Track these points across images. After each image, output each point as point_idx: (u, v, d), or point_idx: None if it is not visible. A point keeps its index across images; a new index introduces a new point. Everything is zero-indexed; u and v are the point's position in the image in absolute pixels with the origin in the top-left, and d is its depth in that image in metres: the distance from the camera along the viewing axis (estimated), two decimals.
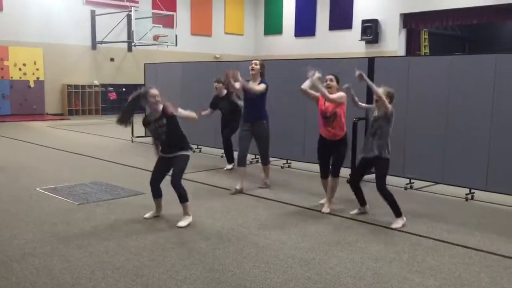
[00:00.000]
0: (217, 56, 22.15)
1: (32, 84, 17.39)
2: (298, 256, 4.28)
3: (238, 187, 6.51)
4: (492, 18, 18.03)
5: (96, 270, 3.90)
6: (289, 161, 8.54)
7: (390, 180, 7.27)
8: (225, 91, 7.82)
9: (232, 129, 7.92)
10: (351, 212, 5.61)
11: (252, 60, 6.84)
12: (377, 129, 5.21)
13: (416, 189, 6.94)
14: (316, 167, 8.05)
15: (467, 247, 4.60)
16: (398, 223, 5.17)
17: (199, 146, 9.95)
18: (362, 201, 5.60)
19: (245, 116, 6.71)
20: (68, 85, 18.31)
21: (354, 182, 5.50)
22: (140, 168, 8.14)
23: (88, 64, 19.01)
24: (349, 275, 3.91)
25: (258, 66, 6.62)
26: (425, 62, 7.23)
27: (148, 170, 7.94)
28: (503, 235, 4.99)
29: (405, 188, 6.94)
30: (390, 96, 5.24)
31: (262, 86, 6.55)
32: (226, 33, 23.30)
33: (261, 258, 4.22)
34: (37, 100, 17.53)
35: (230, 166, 8.05)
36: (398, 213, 5.22)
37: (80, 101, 18.70)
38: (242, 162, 6.62)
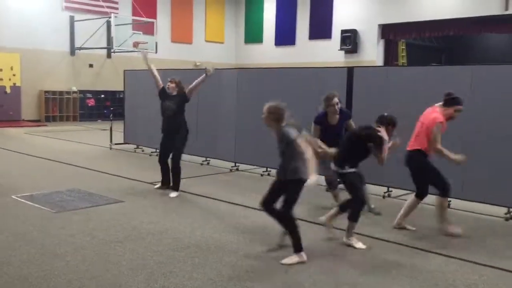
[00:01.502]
0: (198, 63, 22.14)
1: (8, 90, 17.11)
2: (277, 264, 4.28)
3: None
4: (467, 30, 18.47)
5: (73, 280, 3.85)
6: (268, 169, 8.56)
7: (369, 188, 7.36)
8: (175, 92, 6.98)
9: (177, 148, 6.92)
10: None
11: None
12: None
13: (394, 197, 7.02)
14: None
15: (443, 255, 4.67)
16: (292, 259, 4.33)
17: None
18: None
19: None
20: (46, 91, 18.07)
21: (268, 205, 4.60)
22: (119, 176, 8.07)
23: (66, 70, 18.79)
24: (326, 282, 3.94)
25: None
26: (402, 73, 7.35)
27: (127, 178, 7.91)
28: (478, 242, 5.08)
29: (383, 196, 7.02)
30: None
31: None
32: (206, 41, 23.33)
33: (240, 266, 4.22)
34: (14, 106, 17.24)
35: (175, 194, 6.81)
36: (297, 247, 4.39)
37: (58, 108, 18.46)
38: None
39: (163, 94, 7.12)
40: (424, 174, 5.37)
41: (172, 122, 6.93)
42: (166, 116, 6.99)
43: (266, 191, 4.59)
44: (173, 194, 6.79)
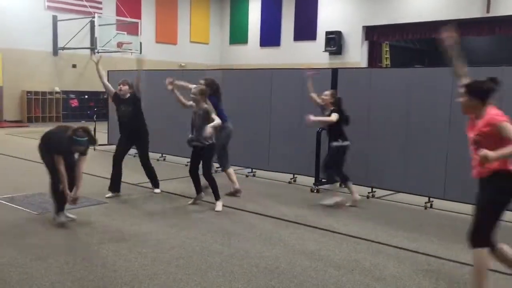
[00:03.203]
0: (182, 64, 22.06)
1: None
2: (262, 265, 4.29)
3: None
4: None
5: (55, 282, 3.80)
6: (254, 170, 8.57)
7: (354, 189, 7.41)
8: (128, 94, 6.70)
9: (142, 149, 6.95)
10: (189, 203, 6.31)
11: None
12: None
13: (378, 197, 7.08)
14: (279, 176, 8.12)
15: (426, 254, 4.72)
16: (219, 206, 6.10)
17: (163, 155, 9.87)
18: (199, 189, 6.36)
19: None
20: (28, 92, 17.83)
21: (193, 171, 6.25)
22: (102, 177, 7.99)
23: (49, 70, 18.57)
24: (312, 283, 3.95)
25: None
26: (386, 74, 7.42)
27: (110, 179, 7.81)
28: (460, 242, 5.13)
29: (367, 197, 7.07)
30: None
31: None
32: (191, 41, 23.26)
33: (225, 267, 4.21)
34: None
35: (159, 190, 7.01)
36: (217, 197, 6.17)
37: (40, 108, 18.23)
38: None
39: (116, 99, 6.81)
40: None
41: (131, 126, 6.71)
42: (123, 121, 6.74)
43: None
44: (158, 190, 6.98)
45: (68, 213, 5.42)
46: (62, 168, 5.07)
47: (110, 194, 6.66)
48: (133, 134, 6.78)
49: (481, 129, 3.40)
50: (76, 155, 5.21)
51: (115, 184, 6.74)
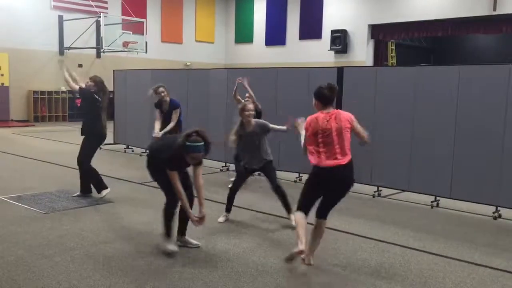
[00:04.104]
0: (188, 63, 22.09)
1: None
2: (268, 264, 4.29)
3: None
4: (455, 31, 18.63)
5: (62, 281, 3.82)
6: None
7: (359, 188, 7.40)
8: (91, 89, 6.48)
9: (90, 150, 6.62)
10: (219, 220, 5.55)
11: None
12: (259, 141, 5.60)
13: (384, 196, 7.06)
14: (285, 175, 8.12)
15: (432, 254, 4.71)
16: (292, 219, 5.22)
17: None
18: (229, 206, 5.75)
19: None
20: (34, 91, 17.92)
21: (235, 192, 5.70)
22: (108, 176, 8.01)
23: (55, 70, 18.62)
24: (318, 282, 3.95)
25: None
26: (392, 73, 7.39)
27: (116, 178, 7.86)
28: (466, 241, 5.12)
29: (373, 196, 7.05)
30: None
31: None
32: (196, 41, 23.28)
33: (231, 267, 4.21)
34: (2, 106, 17.07)
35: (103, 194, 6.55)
36: (290, 209, 5.47)
37: (47, 108, 18.32)
38: None
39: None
40: None
41: (83, 123, 6.69)
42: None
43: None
44: (103, 193, 6.44)
45: (189, 238, 4.75)
46: (179, 185, 4.30)
47: (77, 194, 6.58)
48: (83, 133, 6.69)
49: None
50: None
51: (81, 184, 6.61)
